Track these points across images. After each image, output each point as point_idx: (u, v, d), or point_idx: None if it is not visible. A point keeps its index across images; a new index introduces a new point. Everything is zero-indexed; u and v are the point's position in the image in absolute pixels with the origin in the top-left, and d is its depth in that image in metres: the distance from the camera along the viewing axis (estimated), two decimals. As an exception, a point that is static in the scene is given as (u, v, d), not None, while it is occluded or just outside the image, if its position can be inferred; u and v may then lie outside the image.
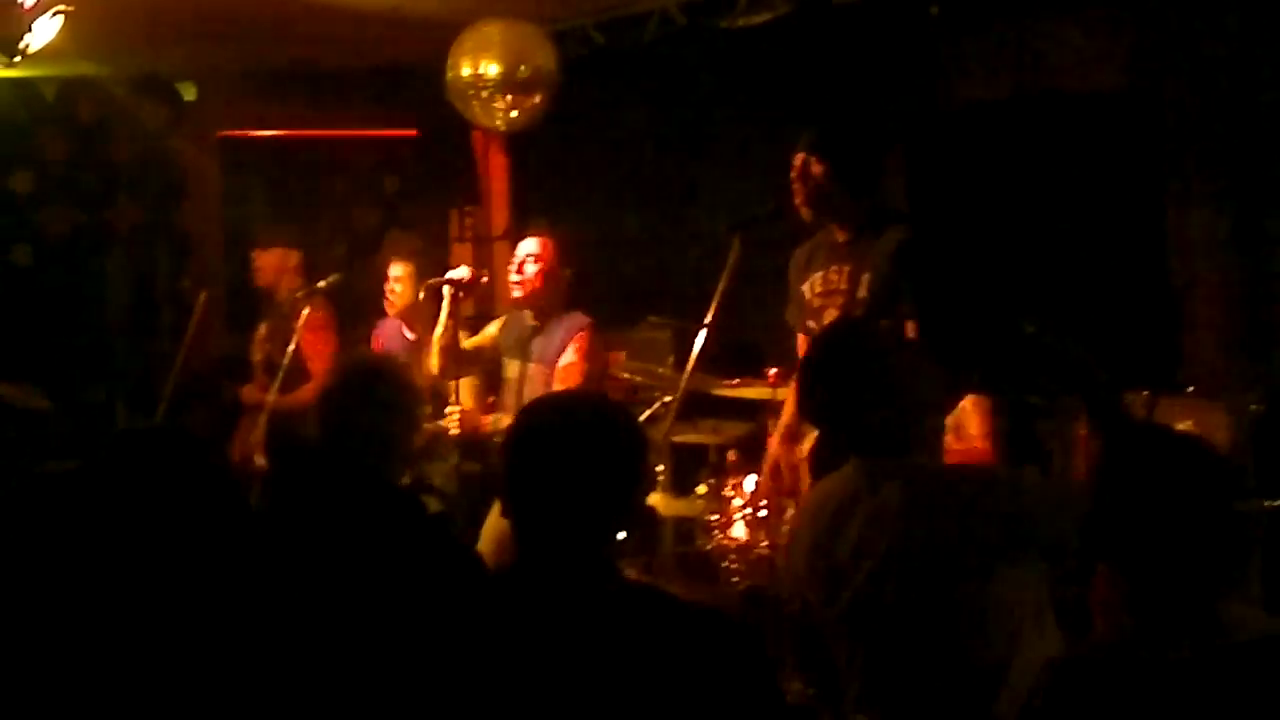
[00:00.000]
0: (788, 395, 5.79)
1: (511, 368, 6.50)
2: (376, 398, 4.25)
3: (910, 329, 5.09)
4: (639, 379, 7.49)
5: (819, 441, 5.35)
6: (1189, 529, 2.78)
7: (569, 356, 6.35)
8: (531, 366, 6.44)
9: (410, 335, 7.49)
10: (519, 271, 6.41)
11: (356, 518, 3.98)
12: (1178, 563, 2.78)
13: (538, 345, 6.44)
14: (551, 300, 6.48)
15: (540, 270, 6.43)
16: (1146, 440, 3.06)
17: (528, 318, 6.51)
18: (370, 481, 4.16)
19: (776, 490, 5.71)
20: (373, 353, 6.49)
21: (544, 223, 7.40)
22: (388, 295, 7.49)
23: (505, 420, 6.32)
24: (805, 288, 5.41)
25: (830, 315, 5.28)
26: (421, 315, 7.35)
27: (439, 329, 6.55)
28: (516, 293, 6.44)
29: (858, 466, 3.65)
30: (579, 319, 6.47)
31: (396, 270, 7.47)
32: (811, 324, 5.39)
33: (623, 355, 7.99)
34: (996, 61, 6.95)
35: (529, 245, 6.45)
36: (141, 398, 8.82)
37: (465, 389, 6.75)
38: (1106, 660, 2.79)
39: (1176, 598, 2.77)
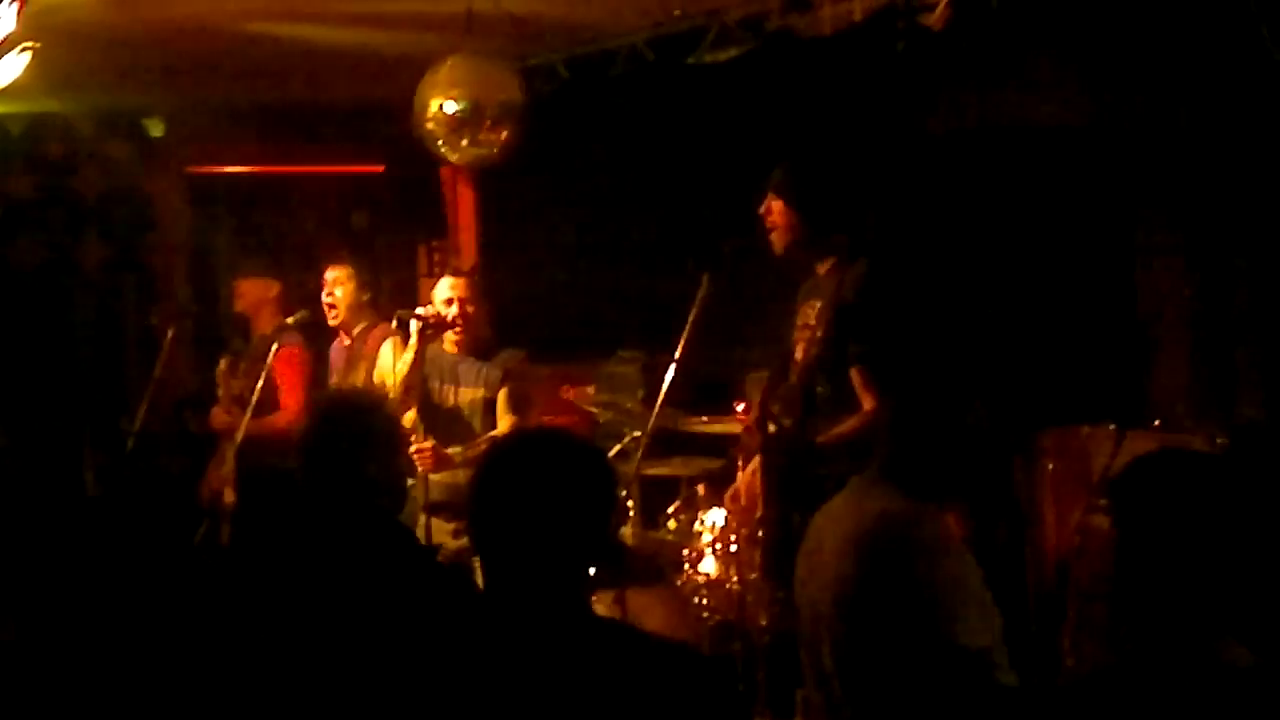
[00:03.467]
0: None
1: (447, 395, 6.53)
2: (363, 436, 4.10)
3: (855, 374, 5.14)
4: (608, 414, 7.49)
5: (764, 460, 5.38)
6: (1200, 555, 2.79)
7: (506, 406, 6.47)
8: (463, 390, 6.53)
9: (346, 341, 7.49)
10: (462, 313, 6.49)
11: (338, 552, 3.91)
12: (1182, 590, 2.78)
13: (467, 371, 6.54)
14: (479, 335, 6.62)
15: (472, 310, 6.55)
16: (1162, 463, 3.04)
17: (450, 346, 6.55)
18: (356, 515, 4.06)
19: (734, 514, 5.72)
20: (347, 390, 6.45)
21: (458, 262, 7.46)
22: (326, 302, 7.47)
23: (461, 448, 6.38)
24: (798, 320, 5.50)
25: (800, 350, 5.34)
26: (358, 322, 7.39)
27: (402, 365, 6.54)
28: (454, 336, 6.51)
29: (851, 485, 3.62)
30: (511, 355, 6.59)
31: (333, 274, 7.47)
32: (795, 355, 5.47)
33: (591, 389, 7.99)
34: (962, 96, 6.99)
35: (455, 286, 6.56)
36: (110, 434, 8.79)
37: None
38: (1110, 684, 2.79)
39: (1177, 628, 2.78)
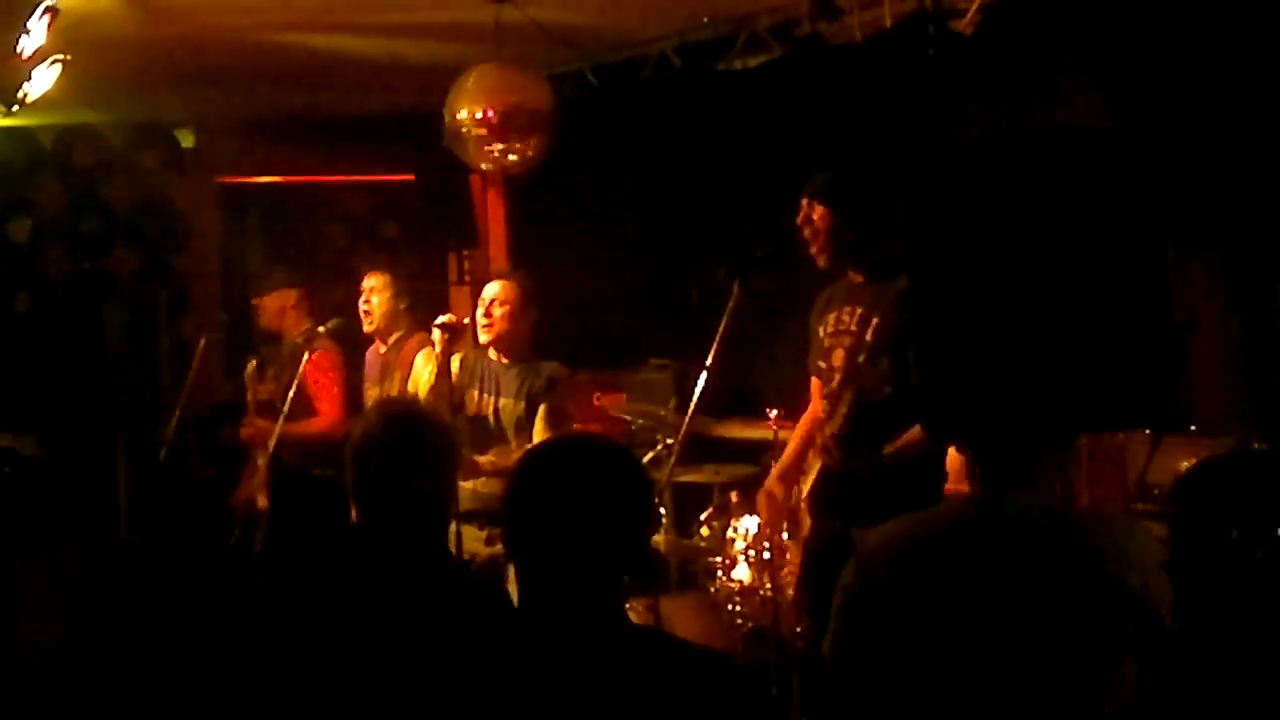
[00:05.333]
0: (791, 436, 5.80)
1: (485, 404, 6.51)
2: (416, 453, 3.97)
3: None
4: (641, 421, 7.48)
5: (820, 481, 5.35)
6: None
7: (544, 421, 6.40)
8: (504, 401, 6.49)
9: (382, 349, 7.51)
10: (486, 315, 6.46)
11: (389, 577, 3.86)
12: None
13: (509, 382, 6.50)
14: (519, 341, 6.56)
15: (506, 313, 6.49)
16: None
17: (493, 355, 6.53)
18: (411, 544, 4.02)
19: (770, 520, 5.68)
20: (408, 403, 6.40)
21: (508, 267, 7.42)
22: (362, 309, 7.52)
23: (495, 458, 6.36)
24: (821, 328, 5.41)
25: (838, 356, 5.28)
26: (394, 330, 7.42)
27: (426, 374, 6.54)
28: (485, 336, 6.48)
29: (972, 497, 3.52)
30: (553, 367, 6.53)
31: (370, 282, 7.52)
32: (821, 364, 5.40)
33: (623, 397, 7.99)
34: (993, 100, 6.97)
35: (494, 289, 6.52)
36: (142, 443, 8.83)
37: None
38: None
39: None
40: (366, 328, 7.56)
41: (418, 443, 4.00)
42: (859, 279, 5.32)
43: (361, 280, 7.65)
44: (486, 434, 6.48)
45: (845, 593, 3.55)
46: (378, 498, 3.96)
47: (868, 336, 5.15)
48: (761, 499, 5.76)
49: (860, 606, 3.50)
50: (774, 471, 5.73)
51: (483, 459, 6.38)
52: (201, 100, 9.17)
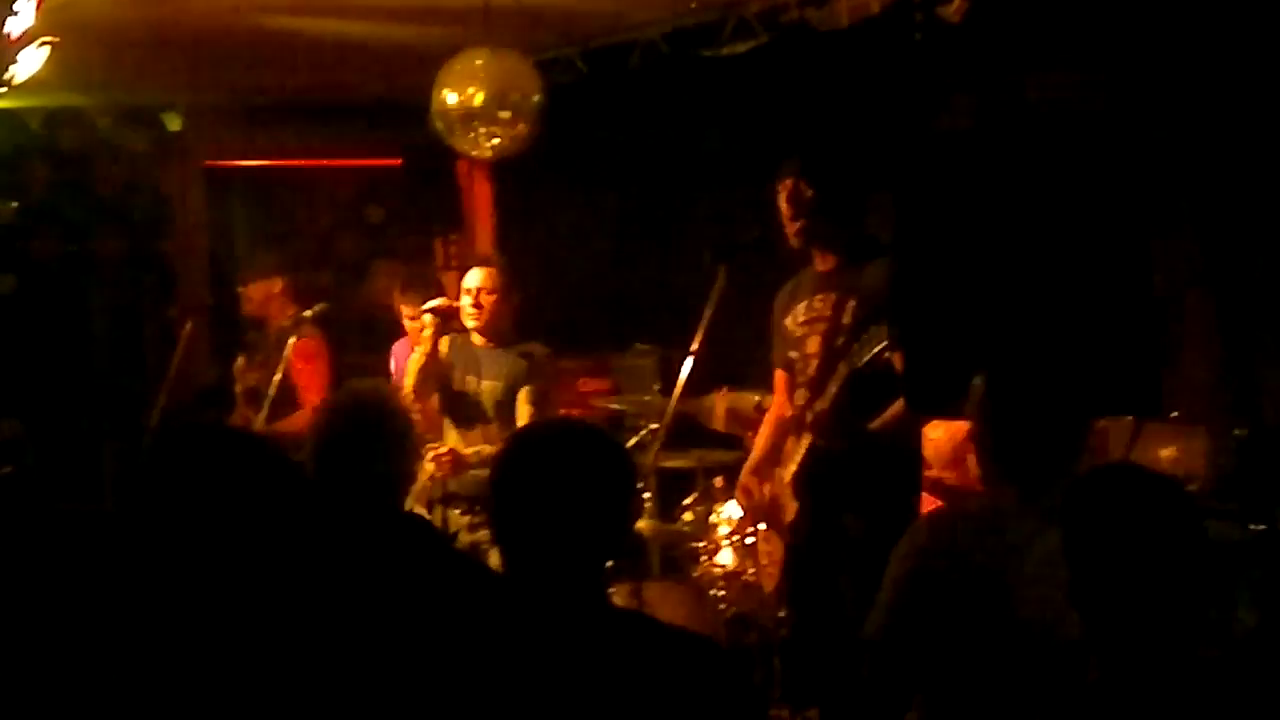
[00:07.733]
0: (760, 433, 5.79)
1: (469, 384, 6.52)
2: (377, 433, 4.05)
3: (896, 360, 5.11)
4: (625, 406, 7.50)
5: (809, 463, 5.36)
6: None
7: (526, 401, 6.44)
8: (485, 383, 6.52)
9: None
10: (476, 304, 6.46)
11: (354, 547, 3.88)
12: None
13: (491, 364, 6.53)
14: (502, 326, 6.58)
15: (494, 301, 6.52)
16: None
17: (476, 339, 6.54)
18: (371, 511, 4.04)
19: (749, 509, 5.68)
20: (367, 384, 6.34)
21: (490, 253, 7.38)
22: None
23: (480, 447, 6.37)
24: (788, 320, 5.43)
25: (812, 343, 5.30)
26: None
27: (416, 356, 6.55)
28: (473, 323, 6.48)
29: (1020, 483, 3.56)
30: (534, 349, 6.57)
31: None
32: (793, 354, 5.41)
33: (608, 382, 8.00)
34: (980, 88, 6.98)
35: (480, 277, 6.51)
36: (127, 427, 8.81)
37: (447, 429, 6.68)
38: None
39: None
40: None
41: (361, 433, 4.03)
42: (827, 266, 5.34)
43: (357, 266, 7.57)
44: (471, 412, 6.50)
45: (901, 577, 3.61)
46: (332, 481, 3.99)
47: (845, 319, 5.17)
48: (740, 493, 5.76)
49: (917, 590, 3.56)
50: (746, 466, 5.72)
51: (468, 450, 6.39)
52: (189, 84, 9.15)
